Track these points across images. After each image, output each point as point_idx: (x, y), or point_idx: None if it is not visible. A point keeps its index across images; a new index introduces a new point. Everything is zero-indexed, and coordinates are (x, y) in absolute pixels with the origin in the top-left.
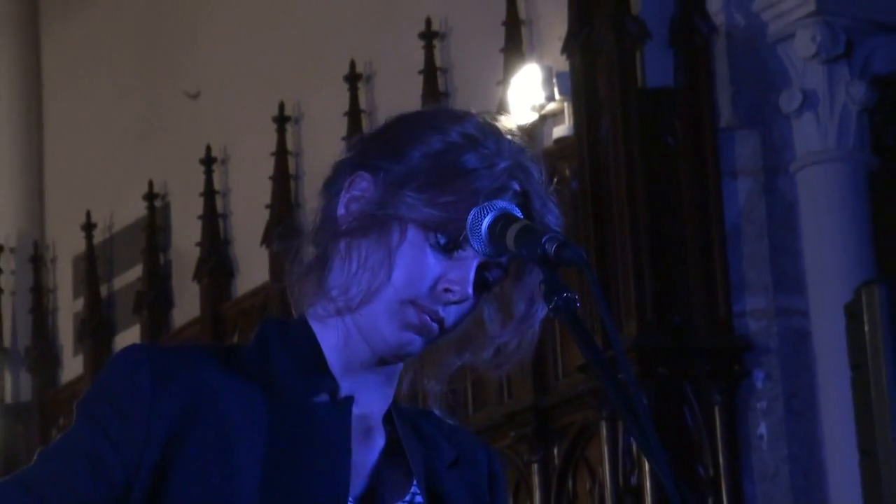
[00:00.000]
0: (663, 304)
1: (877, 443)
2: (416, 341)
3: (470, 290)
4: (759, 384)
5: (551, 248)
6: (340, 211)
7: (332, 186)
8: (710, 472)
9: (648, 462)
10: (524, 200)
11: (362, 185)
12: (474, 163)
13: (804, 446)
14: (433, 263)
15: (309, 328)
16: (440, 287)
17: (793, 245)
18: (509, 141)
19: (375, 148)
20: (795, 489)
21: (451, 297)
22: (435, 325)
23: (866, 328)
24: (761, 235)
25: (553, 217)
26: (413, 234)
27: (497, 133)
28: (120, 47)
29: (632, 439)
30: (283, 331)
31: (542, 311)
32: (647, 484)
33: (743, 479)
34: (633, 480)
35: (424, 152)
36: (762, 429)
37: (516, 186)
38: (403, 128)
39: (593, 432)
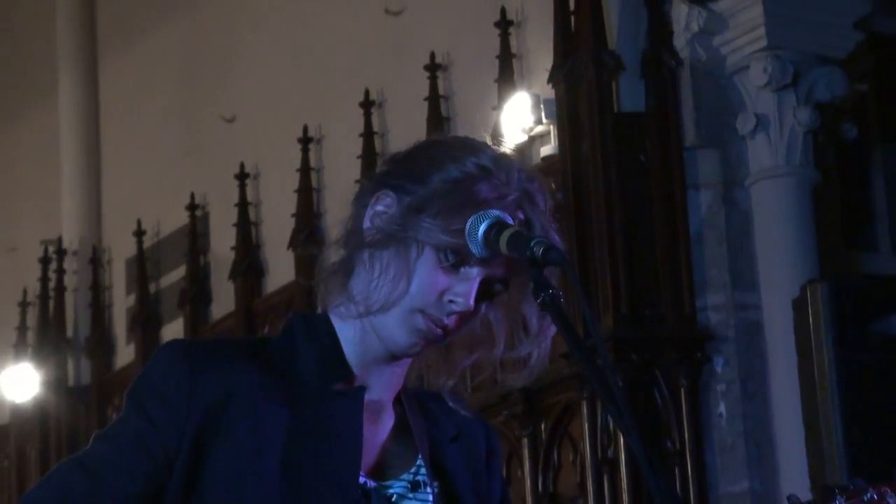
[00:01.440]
0: (636, 300)
1: (819, 419)
2: (422, 344)
3: (472, 302)
4: (718, 369)
5: (538, 251)
6: (366, 224)
7: (359, 200)
8: (676, 445)
9: (623, 437)
10: (528, 228)
11: (386, 202)
12: (486, 193)
13: (757, 423)
14: (442, 278)
15: (330, 324)
16: (446, 299)
17: (747, 248)
18: (519, 171)
19: (400, 170)
20: (749, 460)
21: (454, 307)
22: (440, 331)
23: (811, 320)
24: (720, 240)
25: (553, 238)
26: (428, 252)
27: (509, 165)
28: (167, 78)
29: (609, 417)
30: (308, 325)
31: (552, 331)
32: (622, 456)
33: (704, 451)
34: (610, 453)
35: (443, 178)
36: (721, 408)
37: (521, 216)
38: (426, 154)
39: (575, 411)
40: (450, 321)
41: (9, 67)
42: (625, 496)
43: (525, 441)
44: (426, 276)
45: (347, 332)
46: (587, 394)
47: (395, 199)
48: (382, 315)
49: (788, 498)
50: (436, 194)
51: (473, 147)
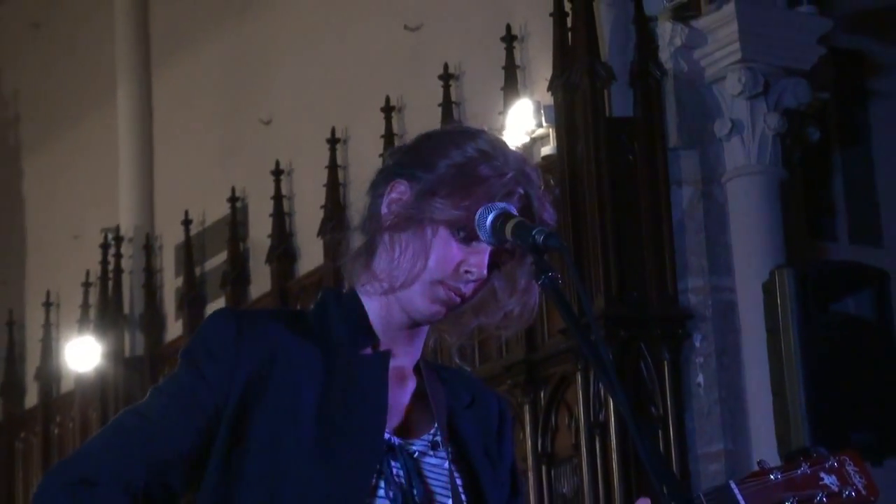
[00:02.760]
0: (624, 283)
1: (786, 388)
2: (442, 311)
3: (485, 272)
4: (697, 344)
5: (539, 238)
6: (384, 210)
7: (375, 189)
8: (660, 411)
9: (613, 403)
10: (526, 202)
11: (400, 189)
12: (487, 172)
13: (731, 391)
14: (456, 252)
15: (358, 299)
16: (462, 269)
17: (723, 238)
18: (514, 153)
19: (409, 160)
20: (724, 424)
21: (470, 277)
22: (458, 299)
23: (778, 301)
24: (699, 230)
25: (548, 213)
26: (442, 230)
27: (504, 147)
28: (212, 86)
29: (601, 386)
30: (338, 300)
31: (537, 287)
32: (612, 420)
33: (685, 416)
34: (601, 417)
35: (448, 163)
36: (700, 378)
37: (520, 190)
38: (430, 144)
39: (571, 380)
40: (467, 289)
41: (74, 77)
42: (614, 455)
43: (526, 407)
44: (443, 251)
45: (373, 306)
46: (581, 365)
47: (408, 186)
48: (406, 289)
49: (759, 463)
50: (443, 178)
51: (471, 134)
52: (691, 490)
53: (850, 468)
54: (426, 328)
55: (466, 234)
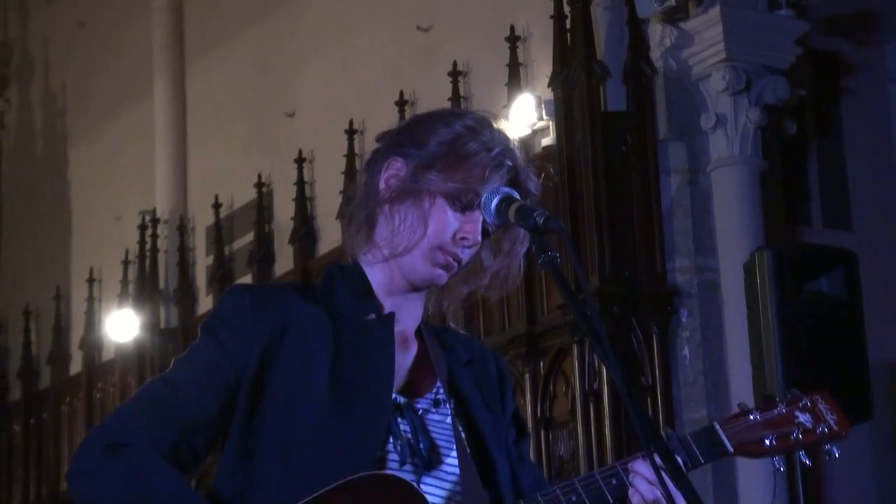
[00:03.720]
0: (617, 263)
1: (764, 361)
2: (443, 275)
3: (479, 238)
4: (683, 319)
5: (540, 220)
6: (382, 185)
7: (372, 167)
8: (649, 380)
9: (607, 372)
10: (514, 174)
11: (397, 166)
12: (476, 148)
13: (714, 363)
14: (452, 220)
15: (361, 269)
16: (459, 236)
17: (708, 222)
18: (499, 130)
19: (402, 139)
20: (707, 393)
21: (466, 243)
22: (455, 263)
23: (758, 281)
24: (686, 215)
25: (533, 184)
26: (438, 201)
27: (490, 125)
28: (241, 80)
29: (595, 356)
30: (343, 272)
31: (522, 251)
32: (605, 388)
33: (672, 386)
34: (595, 386)
35: (438, 141)
36: (685, 351)
37: (508, 163)
38: (421, 124)
39: (568, 352)
40: (463, 254)
41: (115, 73)
42: (607, 421)
43: (527, 376)
44: (440, 220)
45: (376, 275)
46: (577, 338)
47: (404, 162)
48: (407, 255)
49: (739, 405)
50: (436, 154)
51: (459, 113)
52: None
53: (823, 406)
54: (425, 294)
55: (461, 203)
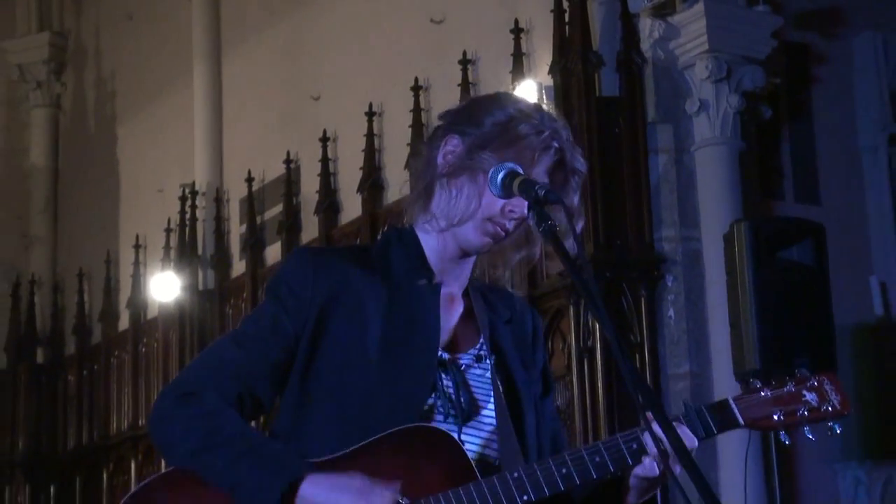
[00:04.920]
0: (609, 233)
1: (741, 321)
2: (491, 243)
3: (525, 211)
4: (669, 284)
5: (541, 193)
6: (440, 160)
7: (432, 142)
8: (637, 338)
9: (601, 330)
10: (561, 155)
11: (454, 143)
12: (527, 131)
13: (696, 323)
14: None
15: (415, 235)
16: (507, 209)
17: (692, 197)
18: (548, 113)
19: (460, 119)
20: (690, 351)
21: (513, 215)
22: (503, 233)
23: (736, 249)
24: (672, 191)
25: (579, 163)
26: None
27: (539, 109)
28: (271, 66)
29: (589, 316)
30: (400, 237)
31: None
32: (598, 346)
33: (658, 344)
34: (589, 343)
35: (493, 122)
36: (670, 312)
37: (556, 145)
38: (478, 106)
39: (565, 313)
40: (510, 225)
41: (159, 59)
42: (599, 375)
43: None
44: (491, 195)
45: (430, 241)
46: (573, 300)
47: (460, 140)
48: (462, 225)
49: (751, 382)
50: (490, 134)
51: (512, 98)
52: (662, 403)
53: (828, 387)
54: (473, 259)
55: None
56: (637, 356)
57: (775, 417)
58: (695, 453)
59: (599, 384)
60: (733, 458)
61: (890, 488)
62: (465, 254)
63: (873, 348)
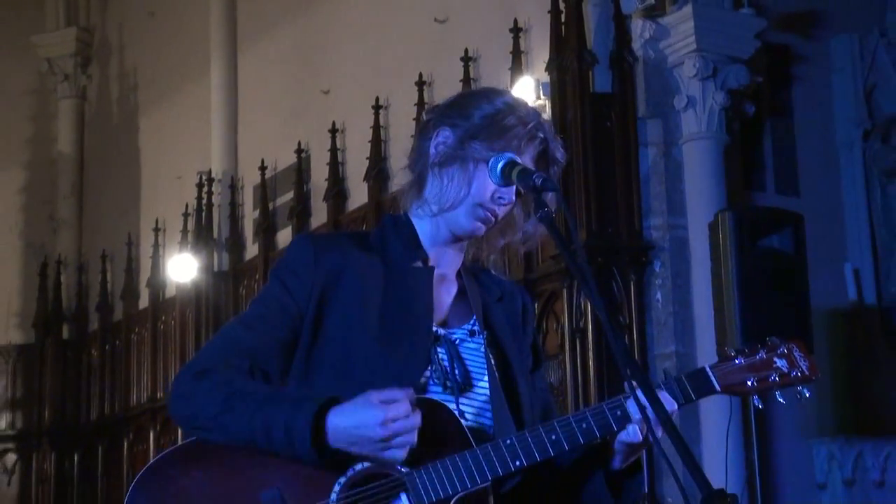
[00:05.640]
0: (602, 220)
1: (724, 304)
2: (482, 228)
3: (513, 198)
4: (657, 269)
5: (538, 181)
6: (432, 150)
7: (423, 135)
8: (627, 320)
9: (591, 312)
10: (545, 145)
11: (445, 134)
12: (513, 122)
13: (682, 306)
14: (491, 183)
15: (410, 221)
16: (496, 196)
17: (679, 187)
18: (532, 107)
19: (450, 112)
20: (676, 332)
21: (502, 201)
22: (493, 218)
23: (720, 237)
24: (661, 181)
25: (560, 153)
26: (481, 166)
27: (525, 103)
28: (284, 62)
29: (582, 298)
30: (395, 223)
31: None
32: (589, 326)
33: (646, 324)
34: (581, 324)
35: (482, 114)
36: (658, 296)
37: (540, 135)
38: (467, 100)
39: (558, 295)
40: (500, 211)
41: (178, 54)
42: (590, 353)
43: None
44: (481, 181)
45: (423, 226)
46: (566, 283)
47: (451, 131)
48: (453, 210)
49: (725, 350)
50: (479, 125)
51: (500, 91)
52: (649, 377)
53: (797, 354)
54: (465, 243)
55: None
56: (626, 337)
57: (748, 383)
58: (676, 418)
59: (591, 362)
60: (715, 433)
61: (860, 462)
62: (457, 238)
63: (847, 330)
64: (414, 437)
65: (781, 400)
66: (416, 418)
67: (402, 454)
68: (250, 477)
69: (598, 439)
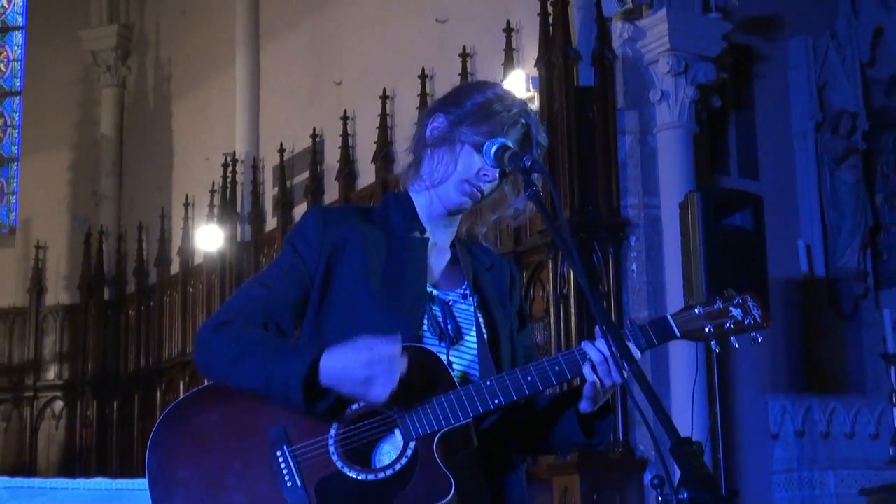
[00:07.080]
0: (584, 200)
1: (692, 275)
2: (468, 202)
3: (497, 175)
4: (633, 243)
5: (528, 163)
6: (427, 134)
7: (422, 121)
8: (605, 288)
9: (575, 280)
10: (528, 129)
11: (439, 120)
12: (499, 108)
13: (655, 277)
14: (477, 161)
15: (409, 196)
16: (482, 173)
17: (653, 172)
18: (519, 98)
19: (446, 101)
20: (649, 299)
21: (486, 178)
22: (479, 194)
23: (689, 216)
24: (637, 165)
25: (542, 137)
26: (467, 146)
27: (511, 94)
28: (302, 55)
29: (565, 268)
30: (396, 198)
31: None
32: (572, 293)
33: (622, 292)
34: (564, 291)
35: (472, 103)
36: (633, 267)
37: (523, 121)
38: (460, 91)
39: (545, 265)
40: (485, 187)
41: (207, 47)
42: (573, 318)
43: None
44: (467, 160)
45: (421, 201)
46: (552, 255)
47: (445, 117)
48: (443, 186)
49: (686, 301)
50: (468, 112)
51: (490, 84)
52: (620, 330)
53: (751, 303)
54: (458, 218)
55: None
56: (605, 302)
57: (706, 329)
58: (647, 372)
59: (573, 325)
60: (683, 388)
61: (809, 415)
62: (449, 212)
63: (799, 299)
64: (395, 378)
65: (736, 345)
66: (401, 362)
67: (382, 393)
68: (260, 415)
69: (568, 379)
